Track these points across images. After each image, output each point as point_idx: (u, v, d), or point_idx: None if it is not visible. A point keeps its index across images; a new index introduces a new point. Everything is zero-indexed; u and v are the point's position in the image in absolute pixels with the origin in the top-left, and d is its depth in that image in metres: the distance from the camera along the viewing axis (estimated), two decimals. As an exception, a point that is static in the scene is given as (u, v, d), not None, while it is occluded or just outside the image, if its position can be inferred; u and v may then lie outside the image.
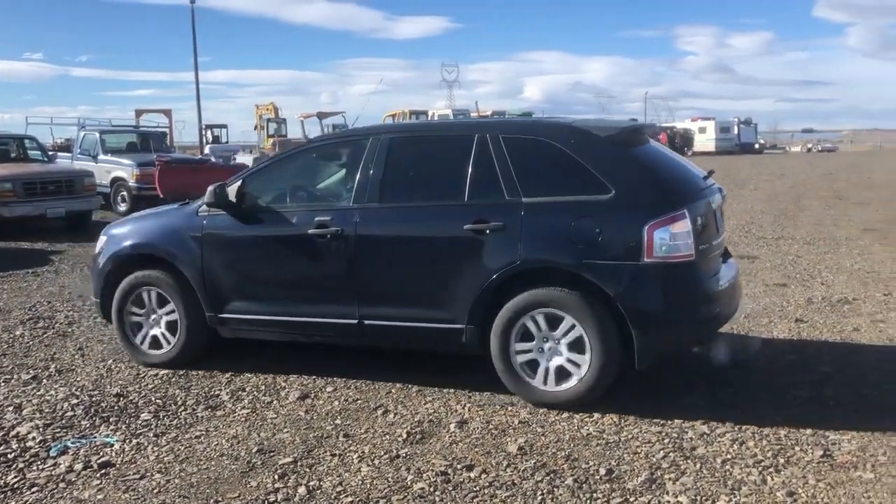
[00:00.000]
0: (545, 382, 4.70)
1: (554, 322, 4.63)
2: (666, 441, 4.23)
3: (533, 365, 4.72)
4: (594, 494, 3.63)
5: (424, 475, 3.86)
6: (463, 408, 4.80)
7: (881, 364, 5.46)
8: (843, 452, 4.03)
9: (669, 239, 4.44)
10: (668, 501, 3.55)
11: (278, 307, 5.35)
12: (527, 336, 4.71)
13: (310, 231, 5.14)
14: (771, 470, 3.85)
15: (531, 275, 4.67)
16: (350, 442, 4.32)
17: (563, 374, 4.66)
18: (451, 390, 5.09)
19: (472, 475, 3.86)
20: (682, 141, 60.21)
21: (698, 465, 3.91)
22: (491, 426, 4.50)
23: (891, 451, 4.03)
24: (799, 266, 9.47)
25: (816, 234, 12.36)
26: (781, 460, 3.96)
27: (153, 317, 5.75)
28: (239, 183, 5.36)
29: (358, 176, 5.17)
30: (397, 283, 5.04)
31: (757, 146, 66.03)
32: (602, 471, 3.86)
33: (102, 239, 6.08)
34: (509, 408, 4.76)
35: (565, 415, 4.63)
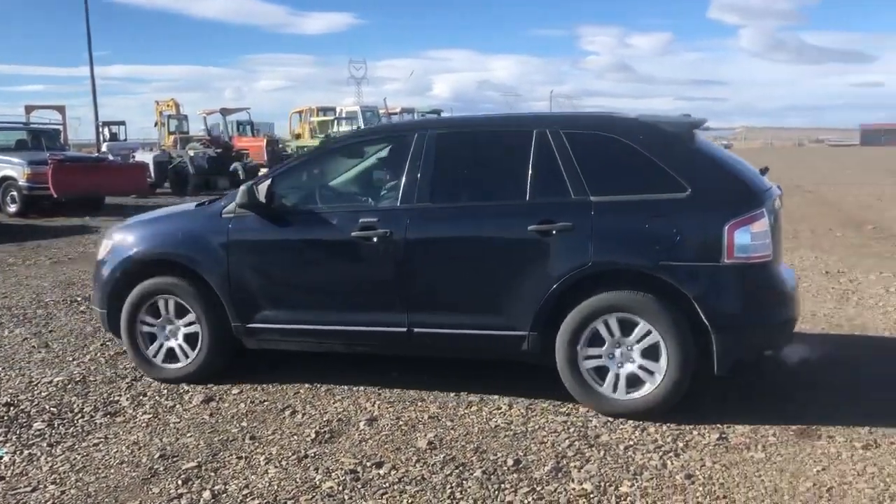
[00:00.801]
0: (615, 390, 4.46)
1: (626, 327, 4.41)
2: (571, 430, 4.32)
3: (602, 372, 4.49)
4: (502, 485, 3.68)
5: (333, 474, 3.83)
6: (373, 405, 4.78)
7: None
8: (738, 435, 4.22)
9: (750, 239, 4.27)
10: (574, 489, 3.63)
11: (316, 316, 4.97)
12: (595, 342, 4.47)
13: (353, 234, 4.77)
14: (671, 454, 4.00)
15: (600, 277, 4.44)
16: (256, 444, 4.23)
17: (634, 381, 4.44)
18: (361, 388, 5.06)
19: (381, 472, 3.85)
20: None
21: (602, 453, 4.02)
22: (401, 422, 4.49)
23: (779, 432, 4.24)
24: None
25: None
26: (681, 444, 4.12)
27: (169, 328, 5.25)
28: (269, 182, 4.96)
29: (405, 174, 4.82)
30: (452, 288, 4.73)
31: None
32: (510, 461, 3.92)
33: (107, 244, 5.51)
34: (419, 403, 4.77)
35: (474, 408, 4.67)
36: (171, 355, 5.26)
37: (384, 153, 5.52)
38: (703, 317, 4.28)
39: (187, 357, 5.21)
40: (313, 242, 4.97)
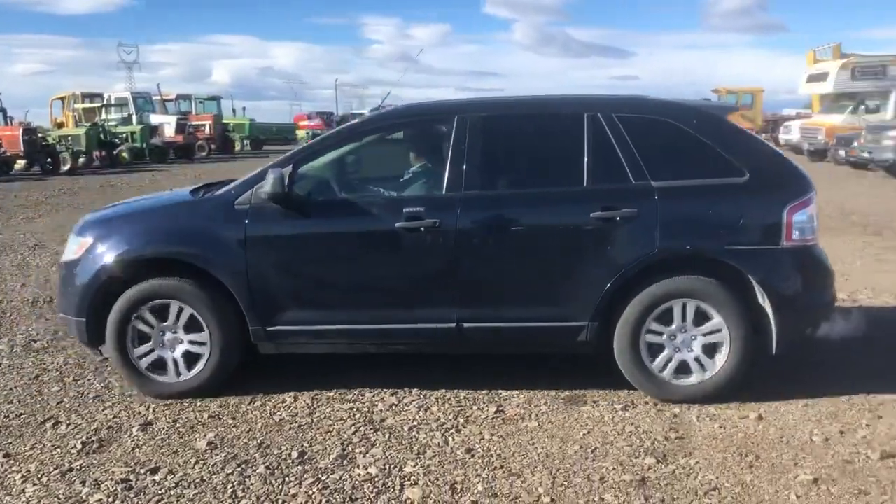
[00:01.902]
0: (666, 373, 4.44)
1: (695, 314, 4.37)
2: (357, 416, 4.34)
3: (657, 354, 4.44)
4: (286, 479, 3.61)
5: (103, 485, 3.56)
6: (147, 409, 4.50)
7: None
8: (513, 406, 4.45)
9: (805, 221, 4.35)
10: (359, 474, 3.65)
11: (352, 315, 4.54)
12: (662, 323, 4.41)
13: (398, 225, 4.38)
14: (452, 431, 4.13)
15: (665, 264, 4.36)
16: (11, 462, 3.84)
17: (686, 368, 4.43)
18: (134, 392, 4.75)
19: (156, 478, 3.64)
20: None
21: (387, 436, 4.07)
22: (178, 424, 4.27)
23: (550, 400, 4.53)
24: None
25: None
26: (462, 420, 4.27)
27: (168, 336, 4.60)
28: (289, 169, 4.45)
29: (449, 160, 4.49)
30: (506, 279, 4.47)
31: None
32: (294, 454, 3.86)
33: (82, 241, 4.70)
34: (198, 403, 4.56)
35: (258, 403, 4.55)
36: (162, 366, 4.64)
37: (419, 136, 5.08)
38: (765, 300, 4.31)
39: (189, 369, 4.61)
40: (350, 235, 4.53)
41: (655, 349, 4.45)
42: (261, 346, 4.64)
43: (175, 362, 4.60)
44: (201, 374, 4.58)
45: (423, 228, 4.37)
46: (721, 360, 4.38)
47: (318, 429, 4.18)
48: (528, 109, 4.90)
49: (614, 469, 3.66)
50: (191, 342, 4.58)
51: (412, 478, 3.61)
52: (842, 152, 19.78)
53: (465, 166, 4.45)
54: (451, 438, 4.04)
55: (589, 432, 4.09)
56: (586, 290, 4.38)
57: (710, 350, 4.40)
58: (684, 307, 4.37)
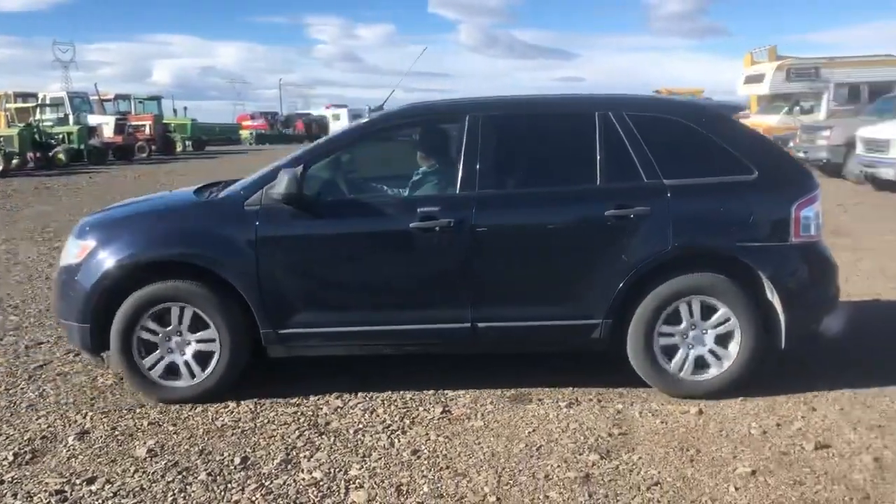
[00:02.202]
0: (682, 371, 4.50)
1: (705, 310, 4.45)
2: (301, 420, 4.29)
3: (671, 352, 4.50)
4: (229, 485, 3.55)
5: (36, 498, 3.45)
6: (84, 417, 4.38)
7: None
8: (460, 406, 4.45)
9: (812, 218, 4.45)
10: (304, 479, 3.60)
11: (366, 316, 4.50)
12: (673, 321, 4.47)
13: (412, 225, 4.35)
14: (398, 432, 4.11)
15: (677, 261, 4.41)
16: (-61, 476, 3.69)
17: (702, 363, 4.50)
18: (70, 400, 4.62)
19: (93, 488, 3.53)
20: (318, 128, 61.65)
21: (332, 439, 4.03)
22: (117, 432, 4.16)
23: (496, 399, 4.54)
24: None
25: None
26: (407, 422, 4.25)
27: (175, 340, 4.48)
28: (300, 169, 4.34)
29: (462, 159, 4.47)
30: (520, 278, 4.48)
31: (388, 132, 70.05)
32: (237, 460, 3.79)
33: (83, 244, 4.54)
34: (138, 410, 4.46)
35: (199, 409, 4.46)
36: (174, 372, 4.52)
37: (429, 136, 4.99)
38: (774, 296, 4.39)
39: (195, 373, 4.50)
40: (364, 236, 4.49)
41: (670, 350, 4.51)
42: (271, 349, 4.57)
43: (188, 365, 4.50)
44: (216, 372, 4.49)
45: (437, 228, 4.36)
46: (735, 348, 4.45)
47: (261, 433, 4.12)
48: (539, 108, 4.94)
49: (559, 466, 3.69)
50: (198, 341, 4.48)
51: (357, 481, 3.58)
52: (778, 152, 20.25)
53: (478, 165, 4.46)
54: (396, 440, 4.02)
55: (534, 430, 4.12)
56: (600, 288, 4.42)
57: (723, 340, 4.48)
58: (689, 304, 4.45)
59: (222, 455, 3.86)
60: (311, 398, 4.58)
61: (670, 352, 4.51)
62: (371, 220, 4.48)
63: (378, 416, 4.34)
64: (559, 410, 4.37)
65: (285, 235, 4.42)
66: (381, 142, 5.09)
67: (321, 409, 4.45)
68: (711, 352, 4.49)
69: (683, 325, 4.47)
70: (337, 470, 3.69)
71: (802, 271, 4.50)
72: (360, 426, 4.20)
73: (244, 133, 54.69)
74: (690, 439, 3.97)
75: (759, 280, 4.42)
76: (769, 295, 4.43)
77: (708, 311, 4.45)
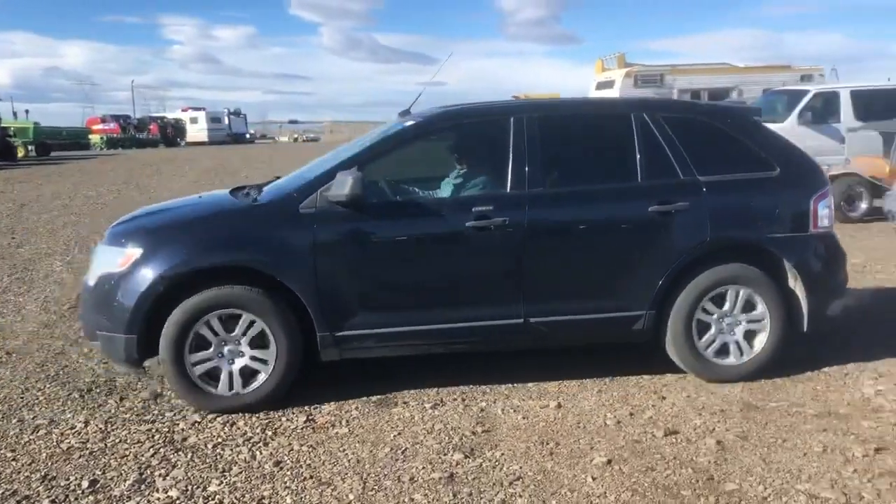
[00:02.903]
0: (717, 356, 4.78)
1: (723, 298, 4.74)
2: (156, 437, 4.09)
3: (707, 340, 4.77)
4: (75, 511, 3.33)
5: None
6: None
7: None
8: (324, 414, 4.39)
9: (827, 210, 4.86)
10: (159, 498, 3.43)
11: (421, 315, 4.54)
12: (707, 310, 4.75)
13: (469, 224, 4.47)
14: (260, 444, 4.00)
15: (712, 254, 4.69)
16: None
17: (726, 349, 4.78)
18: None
19: (-82, 526, 3.23)
20: (174, 131, 59.36)
21: (189, 455, 3.87)
22: (-54, 463, 3.82)
23: (361, 405, 4.51)
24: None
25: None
26: (270, 433, 4.14)
27: (228, 348, 4.37)
28: (358, 173, 4.35)
29: (511, 159, 4.63)
30: (570, 273, 4.66)
31: (248, 136, 68.57)
32: (85, 483, 3.56)
33: (127, 252, 4.38)
34: (-29, 437, 4.11)
35: (42, 432, 4.17)
36: (215, 378, 4.41)
37: (475, 137, 5.05)
38: (797, 282, 4.75)
39: (245, 385, 4.41)
40: (421, 237, 4.56)
41: (702, 328, 4.77)
42: (324, 353, 4.53)
43: (230, 376, 4.40)
44: (258, 391, 4.42)
45: (492, 227, 4.50)
46: (759, 345, 4.79)
47: (112, 454, 3.90)
48: (577, 110, 5.27)
49: (424, 468, 3.70)
50: (252, 358, 4.41)
51: (217, 497, 3.45)
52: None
53: (527, 166, 4.62)
54: (258, 452, 3.91)
55: (399, 433, 4.11)
56: (644, 281, 4.67)
57: (750, 336, 4.80)
58: (737, 293, 4.74)
59: (68, 479, 3.61)
60: (168, 414, 4.39)
61: (702, 330, 4.78)
62: (428, 221, 4.59)
63: (239, 428, 4.20)
64: (424, 412, 4.39)
65: (343, 237, 4.45)
66: (435, 141, 5.20)
67: (177, 424, 4.26)
68: (748, 333, 4.80)
69: (726, 307, 4.76)
70: (195, 487, 3.54)
71: (821, 259, 4.88)
72: (220, 440, 4.05)
73: (94, 138, 51.86)
74: (550, 433, 4.09)
75: (783, 269, 4.79)
76: (792, 282, 4.80)
77: (749, 306, 4.77)
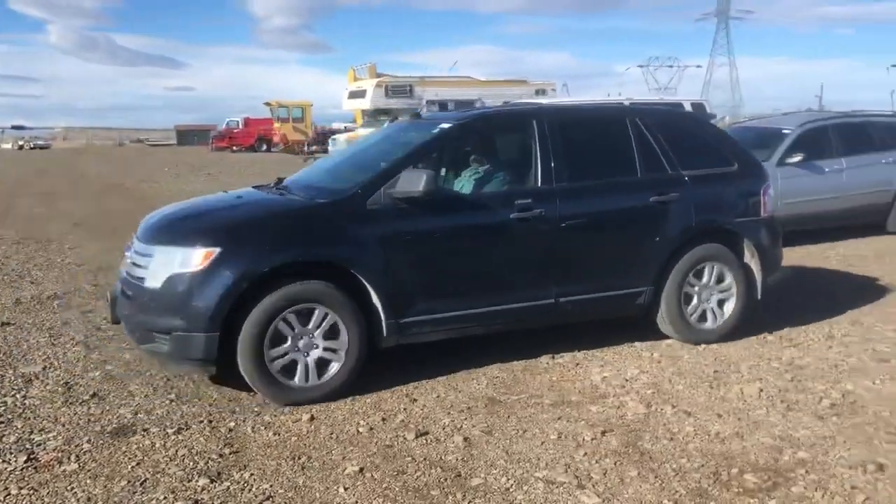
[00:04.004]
0: (699, 321, 5.74)
1: (702, 273, 5.72)
2: None
3: (692, 309, 5.72)
4: None
5: None
6: None
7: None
8: (49, 451, 3.95)
9: (770, 198, 6.04)
10: None
11: (470, 300, 5.00)
12: (690, 283, 5.70)
13: (513, 215, 5.07)
14: (-29, 493, 3.50)
15: (696, 236, 5.64)
16: None
17: (704, 316, 5.75)
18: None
19: None
20: None
21: None
22: None
23: (94, 437, 4.11)
24: (8, 267, 8.99)
25: (27, 232, 11.96)
26: (-18, 479, 3.65)
27: (302, 341, 4.56)
28: (429, 171, 4.81)
29: (539, 157, 5.28)
30: (591, 257, 5.38)
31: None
32: None
33: (204, 251, 4.41)
34: None
35: None
36: (300, 372, 4.59)
37: (501, 136, 5.88)
38: (753, 258, 5.86)
39: (321, 372, 4.63)
40: (473, 227, 5.07)
41: (687, 299, 5.70)
42: (387, 339, 4.83)
43: (307, 368, 4.58)
44: (332, 381, 4.64)
45: (531, 218, 5.10)
46: (728, 311, 5.80)
47: None
48: (584, 114, 6.36)
49: (165, 498, 3.45)
50: (325, 349, 4.62)
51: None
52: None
53: (552, 163, 5.28)
54: (-32, 503, 3.42)
55: (139, 464, 3.81)
56: (647, 261, 5.52)
57: (721, 303, 5.80)
58: (712, 268, 5.73)
59: None
60: None
61: (688, 300, 5.71)
62: (479, 213, 5.13)
63: (-58, 477, 3.65)
64: (167, 438, 4.11)
65: (409, 231, 4.82)
66: (473, 139, 5.81)
67: None
68: (720, 302, 5.80)
69: (704, 280, 5.73)
70: None
71: (768, 238, 5.98)
72: (-83, 494, 3.49)
73: None
74: (302, 447, 4.00)
75: (742, 247, 5.85)
76: (748, 257, 5.87)
77: (720, 279, 5.77)
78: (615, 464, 3.79)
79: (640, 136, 5.68)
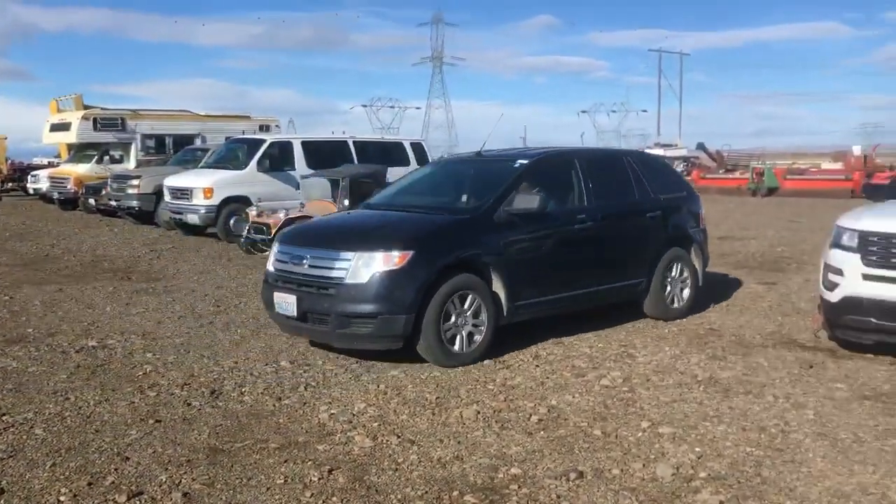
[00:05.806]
0: (674, 304, 8.02)
1: (671, 268, 8.01)
2: None
3: (669, 295, 7.98)
4: None
5: None
6: None
7: None
8: None
9: (703, 214, 8.69)
10: None
11: (554, 287, 6.97)
12: (667, 273, 7.98)
13: (576, 226, 7.15)
14: None
15: (669, 241, 8.00)
16: None
17: (674, 300, 8.02)
18: None
19: None
20: None
21: None
22: None
23: None
24: None
25: None
26: None
27: (461, 319, 6.20)
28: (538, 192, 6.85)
29: (580, 184, 7.40)
30: (615, 256, 7.53)
31: None
32: None
33: (401, 254, 6.00)
34: None
35: None
36: (451, 341, 6.17)
37: (557, 170, 7.62)
38: (698, 257, 8.30)
39: (470, 342, 6.29)
40: (557, 234, 7.04)
41: (664, 288, 7.84)
42: (505, 318, 6.55)
43: (462, 338, 6.22)
44: (477, 349, 6.33)
45: (584, 228, 7.14)
46: (686, 295, 8.11)
47: None
48: (597, 154, 9.07)
49: None
50: (473, 325, 6.31)
51: None
52: (91, 201, 20.04)
53: (586, 189, 7.36)
54: None
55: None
56: (645, 260, 7.71)
57: (682, 290, 8.08)
58: (679, 265, 8.03)
59: None
60: None
61: (667, 293, 7.93)
62: (560, 224, 7.07)
63: None
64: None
65: (519, 238, 6.69)
66: (546, 171, 7.53)
67: None
68: (678, 295, 8.06)
69: (674, 274, 7.97)
70: None
71: (705, 243, 8.57)
72: None
73: None
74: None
75: (692, 249, 8.24)
76: (694, 256, 8.26)
77: (682, 272, 8.09)
78: (342, 501, 3.78)
79: (633, 170, 7.99)
